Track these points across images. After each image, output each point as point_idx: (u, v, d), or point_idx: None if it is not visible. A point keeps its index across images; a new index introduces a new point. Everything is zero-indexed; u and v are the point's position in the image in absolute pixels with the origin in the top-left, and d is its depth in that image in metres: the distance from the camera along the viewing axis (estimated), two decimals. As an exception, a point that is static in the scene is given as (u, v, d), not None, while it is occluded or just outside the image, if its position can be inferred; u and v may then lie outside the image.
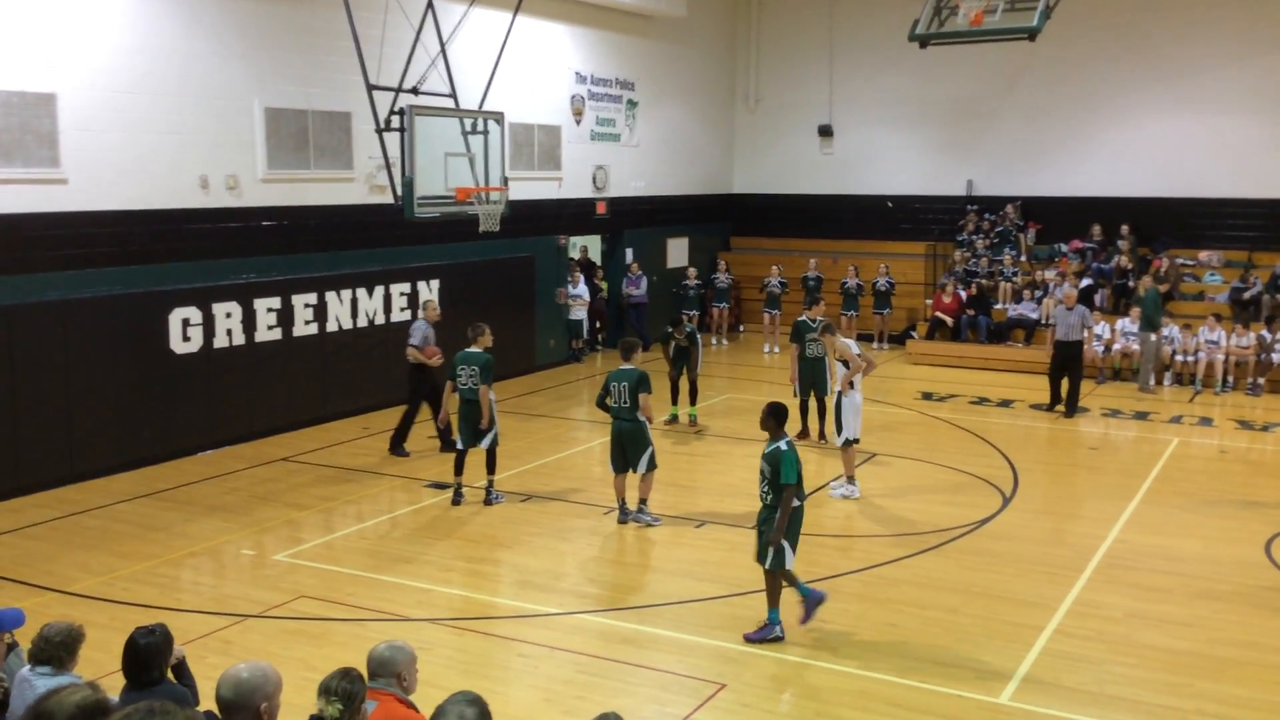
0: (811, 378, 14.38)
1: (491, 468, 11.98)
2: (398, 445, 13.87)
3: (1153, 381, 18.26)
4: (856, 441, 12.34)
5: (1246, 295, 19.82)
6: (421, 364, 13.62)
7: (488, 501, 11.89)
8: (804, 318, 14.57)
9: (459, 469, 11.97)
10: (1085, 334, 16.51)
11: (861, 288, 22.32)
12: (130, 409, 13.11)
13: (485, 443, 11.83)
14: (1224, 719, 7.30)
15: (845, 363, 12.31)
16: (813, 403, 14.57)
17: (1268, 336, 18.35)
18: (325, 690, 4.26)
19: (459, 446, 11.96)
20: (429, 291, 17.01)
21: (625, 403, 11.05)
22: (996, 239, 22.95)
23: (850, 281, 22.25)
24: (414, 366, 13.70)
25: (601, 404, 11.35)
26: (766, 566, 8.44)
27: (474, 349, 11.87)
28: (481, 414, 11.68)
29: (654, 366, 14.95)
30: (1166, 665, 8.07)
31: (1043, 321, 20.07)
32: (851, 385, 12.24)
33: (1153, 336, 18.18)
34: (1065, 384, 16.43)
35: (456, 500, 11.95)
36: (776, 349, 22.16)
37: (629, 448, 11.11)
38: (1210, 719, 7.30)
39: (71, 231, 12.69)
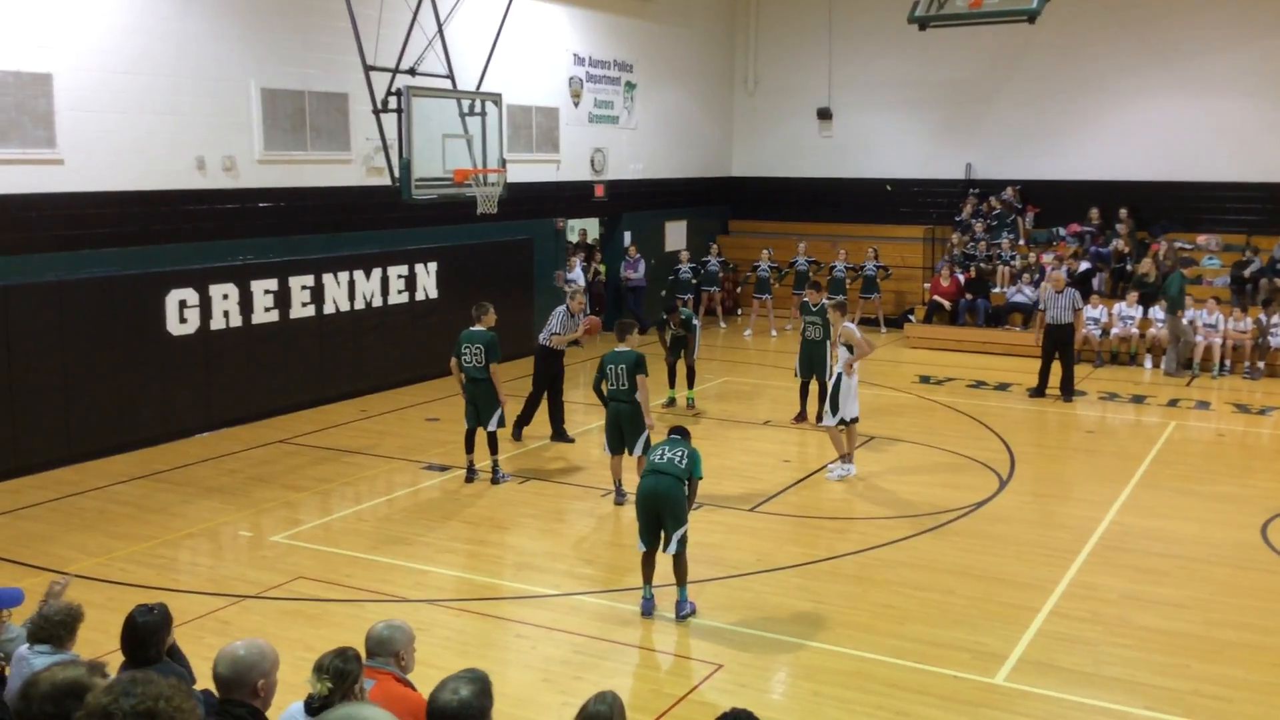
0: (810, 359, 14.37)
1: (494, 448, 12.01)
2: (518, 430, 13.87)
3: (1176, 365, 18.22)
4: (856, 421, 12.33)
5: (1247, 272, 19.79)
6: (550, 350, 13.65)
7: (494, 480, 11.95)
8: (806, 301, 14.61)
9: (470, 447, 12.01)
10: (1075, 316, 16.47)
11: (850, 270, 22.28)
12: (127, 390, 13.09)
13: (491, 425, 11.86)
14: (1220, 700, 7.32)
15: (849, 346, 12.23)
16: (813, 385, 14.53)
17: (1265, 320, 18.35)
18: (318, 668, 4.27)
19: (466, 427, 12.01)
20: (427, 274, 17.00)
21: (623, 385, 10.99)
22: (995, 222, 22.92)
23: (839, 265, 22.22)
24: (547, 352, 13.68)
25: (597, 388, 11.25)
26: None
27: (478, 328, 11.89)
28: (488, 394, 11.74)
29: (650, 350, 14.92)
30: (1162, 647, 8.10)
31: (1038, 306, 20.08)
32: (852, 368, 12.22)
33: (1185, 321, 18.15)
34: (1058, 369, 16.43)
35: (470, 478, 11.99)
36: (771, 333, 22.17)
37: (626, 429, 11.07)
38: (1206, 700, 7.32)
39: (68, 212, 12.66)
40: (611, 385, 11.06)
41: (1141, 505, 11.46)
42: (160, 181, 13.59)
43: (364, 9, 13.61)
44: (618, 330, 11.55)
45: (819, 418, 14.47)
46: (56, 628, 5.08)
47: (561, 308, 13.92)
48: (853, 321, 13.12)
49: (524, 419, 13.91)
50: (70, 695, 3.26)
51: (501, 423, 12.00)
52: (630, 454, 11.17)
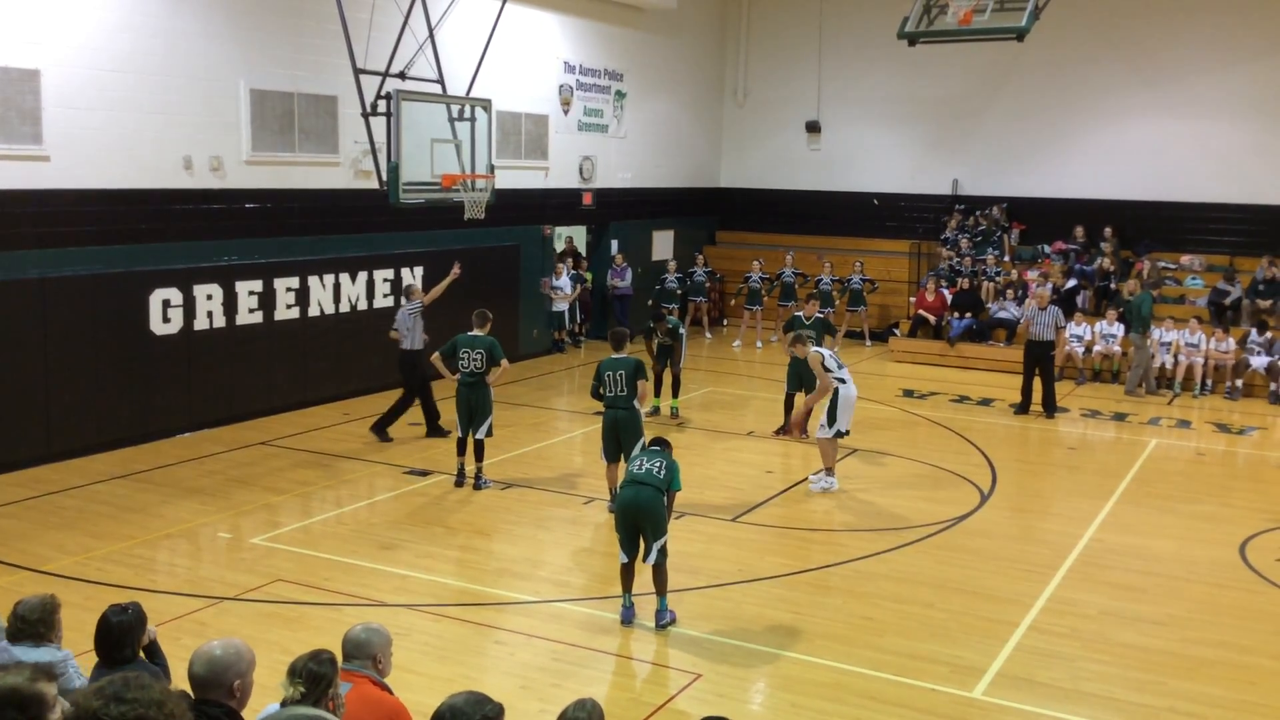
0: (800, 373, 14.34)
1: (480, 455, 12.02)
2: (381, 430, 13.93)
3: (1140, 387, 18.26)
4: (846, 434, 12.35)
5: (1226, 301, 19.89)
6: (415, 353, 13.76)
7: (477, 486, 11.94)
8: (799, 314, 14.61)
9: (461, 450, 12.06)
10: (1056, 334, 16.53)
11: (835, 283, 22.34)
12: (109, 389, 13.02)
13: (481, 432, 11.91)
14: (1196, 717, 7.35)
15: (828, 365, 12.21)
16: (799, 398, 14.49)
17: (1256, 337, 18.35)
18: (292, 671, 4.23)
19: (459, 434, 12.04)
20: (412, 277, 16.95)
21: (622, 390, 10.98)
22: (980, 238, 23.02)
23: (825, 278, 22.28)
24: (416, 356, 13.79)
25: (596, 394, 11.25)
26: None
27: (478, 333, 11.96)
28: (483, 399, 11.83)
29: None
30: (1140, 663, 8.12)
31: (1020, 322, 20.16)
32: (844, 381, 12.21)
33: (1147, 343, 18.20)
34: (1040, 385, 16.48)
35: (459, 483, 12.01)
36: (757, 344, 22.22)
37: (623, 436, 11.01)
38: (1182, 717, 7.35)
39: (53, 209, 12.59)
40: (609, 392, 11.05)
41: (1121, 522, 11.51)
42: (146, 180, 13.53)
43: (355, 12, 13.59)
44: (613, 340, 11.55)
45: (803, 430, 14.51)
46: (34, 625, 5.03)
47: (406, 307, 14.06)
48: (833, 344, 13.01)
49: (388, 420, 13.99)
50: (8, 705, 3.03)
51: (489, 432, 12.04)
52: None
